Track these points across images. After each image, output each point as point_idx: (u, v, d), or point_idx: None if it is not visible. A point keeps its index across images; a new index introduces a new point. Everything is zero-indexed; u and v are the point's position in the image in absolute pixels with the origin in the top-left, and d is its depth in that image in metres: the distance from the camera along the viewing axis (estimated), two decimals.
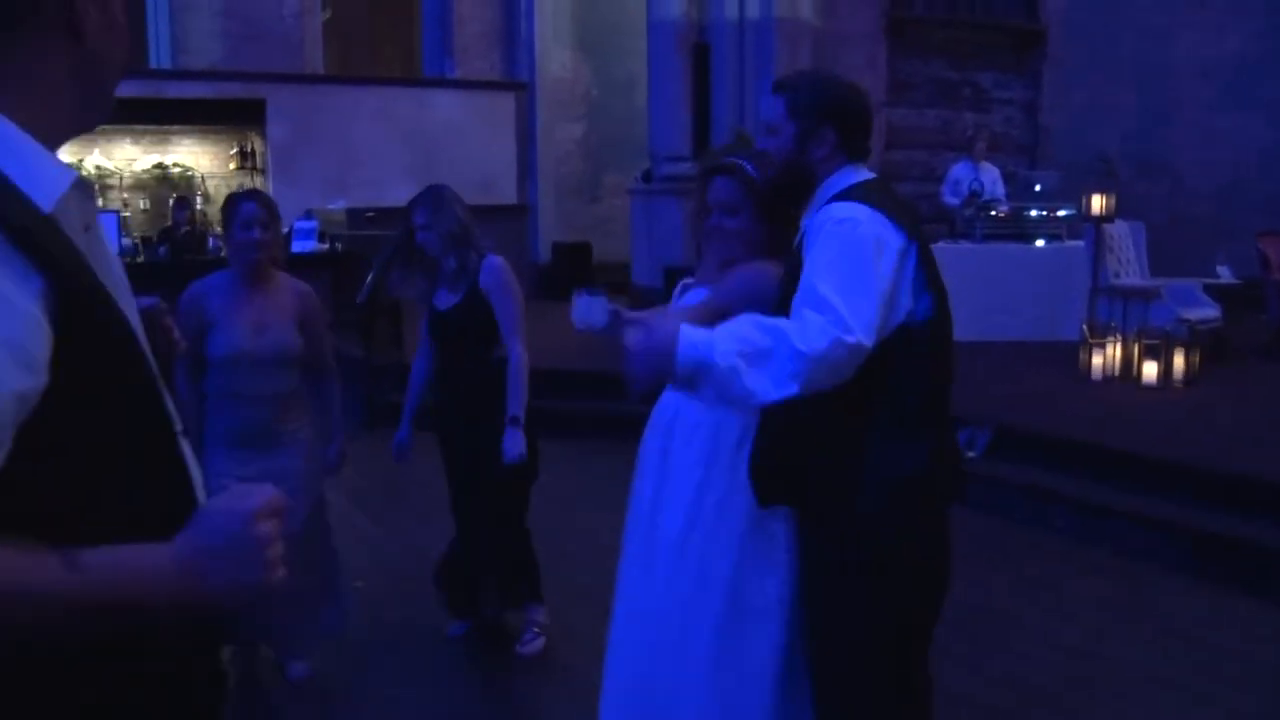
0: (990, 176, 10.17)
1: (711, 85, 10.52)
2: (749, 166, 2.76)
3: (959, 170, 10.34)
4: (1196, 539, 5.05)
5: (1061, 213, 9.73)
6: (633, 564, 2.92)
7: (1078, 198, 9.70)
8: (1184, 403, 7.02)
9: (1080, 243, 9.10)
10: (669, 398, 2.98)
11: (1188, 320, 7.98)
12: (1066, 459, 5.87)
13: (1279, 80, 11.55)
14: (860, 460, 2.31)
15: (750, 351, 2.09)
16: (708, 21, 10.58)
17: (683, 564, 2.76)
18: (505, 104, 14.36)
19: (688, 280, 3.09)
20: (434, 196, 3.96)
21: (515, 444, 3.83)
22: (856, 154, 2.46)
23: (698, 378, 2.10)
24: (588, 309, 3.08)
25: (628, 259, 11.51)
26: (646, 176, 11.26)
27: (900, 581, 2.38)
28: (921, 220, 2.51)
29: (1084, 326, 7.76)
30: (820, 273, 2.21)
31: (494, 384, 3.89)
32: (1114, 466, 5.71)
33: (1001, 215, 9.64)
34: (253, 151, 13.15)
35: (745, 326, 2.14)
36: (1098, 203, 8.27)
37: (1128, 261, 8.83)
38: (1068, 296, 8.87)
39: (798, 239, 2.43)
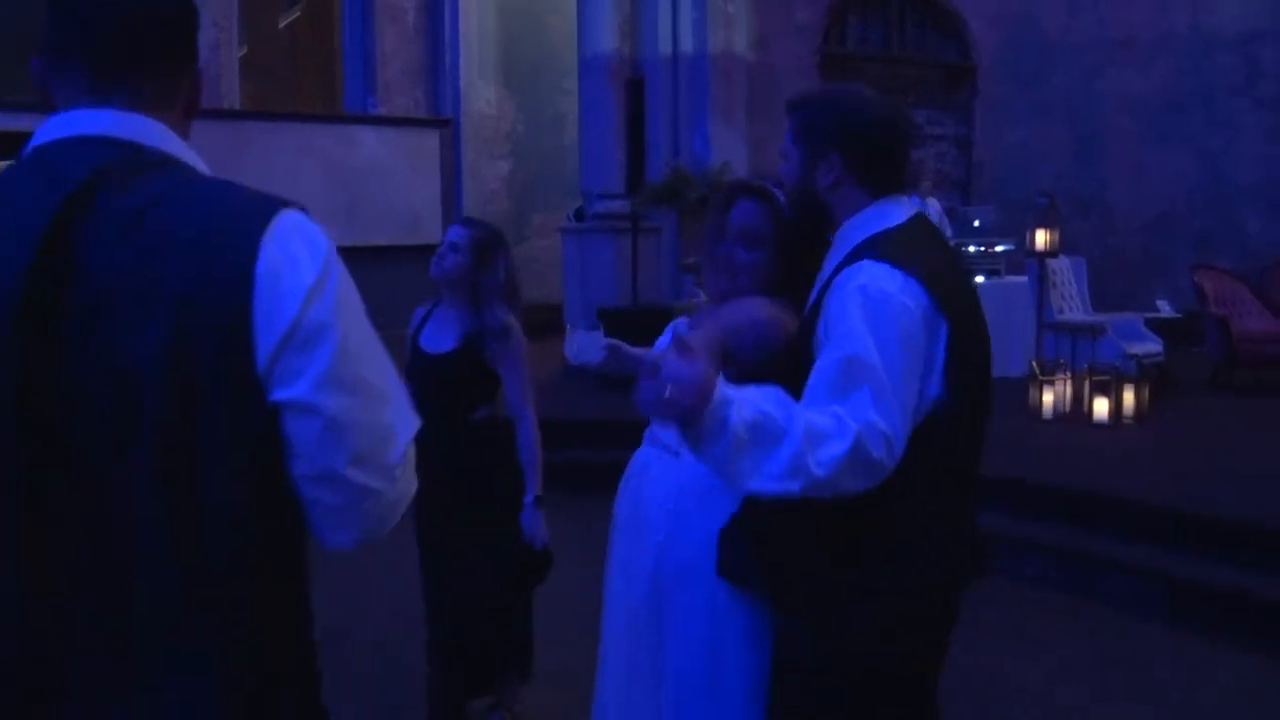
0: (934, 212, 10.08)
1: (646, 121, 10.29)
2: (779, 194, 2.40)
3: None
4: (1172, 584, 4.86)
5: (1000, 248, 9.69)
6: (614, 644, 2.60)
7: (1012, 233, 9.68)
8: (1139, 441, 6.89)
9: (1022, 278, 9.02)
10: (640, 454, 2.68)
11: (1135, 355, 7.89)
12: (1031, 503, 5.65)
13: (1203, 117, 11.71)
14: (859, 564, 1.92)
15: (766, 428, 1.73)
16: (641, 57, 10.37)
17: (639, 641, 2.46)
18: (430, 141, 14.03)
19: (681, 320, 2.78)
20: (493, 233, 3.47)
21: (537, 527, 3.32)
22: (879, 187, 2.04)
23: (707, 435, 1.73)
24: (581, 345, 2.76)
25: (556, 299, 11.19)
26: (578, 215, 10.97)
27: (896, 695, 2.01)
28: (963, 275, 2.12)
29: (1033, 364, 7.62)
30: (845, 353, 1.83)
31: (478, 450, 3.38)
32: (1082, 510, 5.51)
33: None
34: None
35: (770, 400, 1.77)
36: (1042, 238, 8.17)
37: (1070, 297, 8.75)
38: (1010, 333, 8.75)
39: (815, 295, 2.05)
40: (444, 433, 3.36)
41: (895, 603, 1.92)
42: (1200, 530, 5.06)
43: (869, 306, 1.85)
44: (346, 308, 1.29)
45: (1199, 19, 11.74)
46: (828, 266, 2.05)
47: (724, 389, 1.73)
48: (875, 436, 1.75)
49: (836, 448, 1.72)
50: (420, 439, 2.76)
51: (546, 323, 11.22)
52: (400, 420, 1.36)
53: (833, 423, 1.75)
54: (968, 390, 1.93)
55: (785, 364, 2.06)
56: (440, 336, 3.42)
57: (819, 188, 2.06)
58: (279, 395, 1.23)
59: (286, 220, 1.28)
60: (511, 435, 3.42)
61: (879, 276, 1.88)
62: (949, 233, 9.92)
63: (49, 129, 1.33)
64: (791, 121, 2.10)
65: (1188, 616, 4.76)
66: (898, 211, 2.04)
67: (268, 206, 1.29)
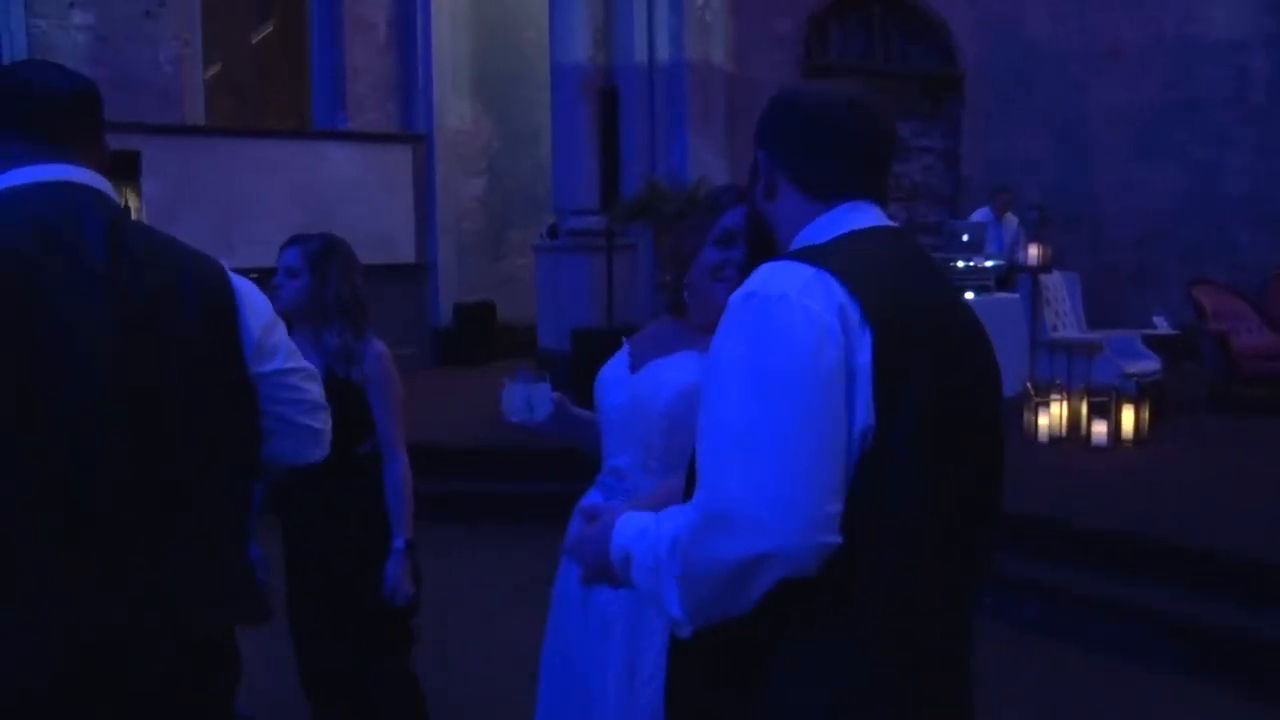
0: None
1: (620, 133, 9.91)
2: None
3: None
4: (1187, 631, 4.47)
5: (989, 263, 9.33)
6: None
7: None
8: (1140, 465, 6.53)
9: (1013, 295, 8.68)
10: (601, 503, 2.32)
11: (1133, 374, 7.54)
12: (1029, 537, 5.24)
13: (1190, 129, 11.41)
14: (767, 680, 1.47)
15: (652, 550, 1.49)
16: (615, 66, 10.00)
17: None
18: (402, 157, 13.64)
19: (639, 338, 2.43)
20: (327, 244, 3.10)
21: (403, 580, 2.97)
22: (827, 191, 1.59)
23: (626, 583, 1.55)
24: (526, 398, 2.39)
25: (534, 320, 10.81)
26: (552, 232, 10.59)
27: None
28: (934, 294, 1.60)
29: (1028, 385, 7.26)
30: (714, 400, 1.42)
31: (363, 491, 3.02)
32: (1084, 546, 5.12)
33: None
34: (127, 208, 12.18)
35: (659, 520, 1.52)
36: (1034, 252, 7.82)
37: (1064, 314, 8.41)
38: (1002, 351, 8.36)
39: None
40: (324, 475, 2.99)
41: None
42: (1218, 570, 4.68)
43: (752, 317, 1.42)
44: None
45: (1186, 28, 11.46)
46: None
47: (626, 526, 1.54)
48: (704, 529, 1.38)
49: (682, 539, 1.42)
50: (297, 485, 2.87)
51: (526, 344, 10.86)
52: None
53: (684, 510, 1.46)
54: (913, 418, 1.42)
55: None
56: None
57: (757, 200, 1.66)
58: (268, 367, 1.90)
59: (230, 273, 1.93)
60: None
61: (776, 277, 1.44)
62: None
63: (13, 177, 1.79)
64: None
65: (1204, 667, 4.37)
66: (857, 219, 1.59)
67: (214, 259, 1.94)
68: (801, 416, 1.35)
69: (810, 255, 1.49)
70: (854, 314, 1.41)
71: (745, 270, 1.78)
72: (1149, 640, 4.56)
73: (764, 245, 1.68)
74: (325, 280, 3.00)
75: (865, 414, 1.40)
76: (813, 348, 1.37)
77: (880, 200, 1.63)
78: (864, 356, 1.40)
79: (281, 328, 1.94)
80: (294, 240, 3.11)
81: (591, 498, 2.46)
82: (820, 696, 1.44)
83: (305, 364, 1.97)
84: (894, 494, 1.42)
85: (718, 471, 1.37)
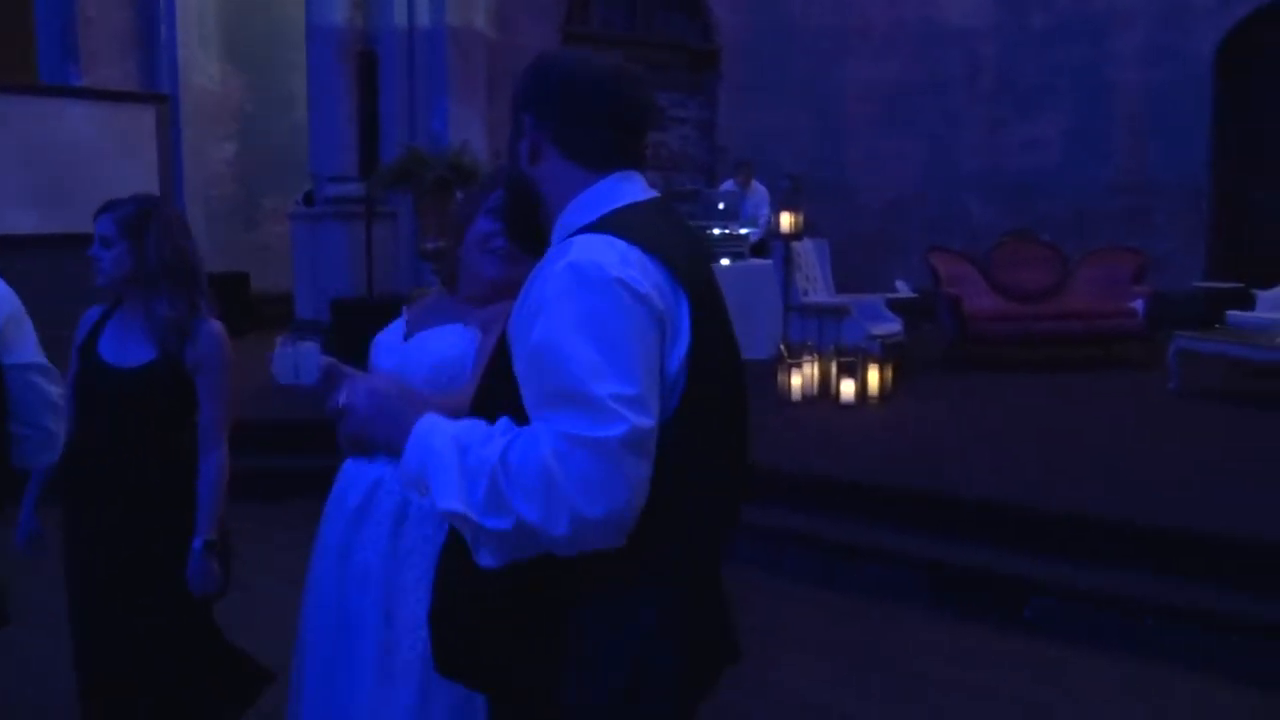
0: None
1: (380, 98, 9.67)
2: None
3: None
4: (933, 570, 4.81)
5: (743, 230, 9.68)
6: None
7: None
8: (886, 421, 6.95)
9: (767, 261, 9.04)
10: (359, 470, 2.28)
11: (877, 336, 8.01)
12: (784, 490, 5.51)
13: (929, 107, 12.18)
14: (557, 633, 1.56)
15: (469, 445, 1.47)
16: (374, 30, 9.73)
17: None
18: (144, 118, 12.76)
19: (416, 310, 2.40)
20: (142, 207, 2.84)
21: (208, 575, 2.82)
22: (594, 159, 1.63)
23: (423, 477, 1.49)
24: (295, 360, 2.34)
25: (291, 290, 10.44)
26: (308, 199, 10.24)
27: None
28: (707, 267, 1.72)
29: (781, 347, 7.59)
30: (539, 346, 1.46)
31: (187, 472, 2.84)
32: (838, 496, 5.42)
33: None
34: None
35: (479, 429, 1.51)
36: (786, 220, 8.17)
37: (815, 279, 8.82)
38: (756, 315, 8.72)
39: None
40: (142, 457, 2.79)
41: (593, 683, 1.54)
42: (960, 513, 5.05)
43: (577, 282, 1.46)
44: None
45: (925, 12, 12.20)
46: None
47: (431, 425, 1.52)
48: (566, 454, 1.39)
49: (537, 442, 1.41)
50: (113, 465, 2.79)
51: (283, 315, 10.46)
52: None
53: (520, 444, 1.43)
54: (709, 392, 1.55)
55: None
56: (129, 346, 2.79)
57: (522, 164, 1.66)
58: (11, 360, 2.03)
59: None
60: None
61: (594, 248, 1.49)
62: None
63: None
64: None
65: (951, 603, 4.72)
66: (630, 190, 1.64)
67: None
68: (637, 357, 1.44)
69: (616, 228, 1.52)
70: (669, 289, 1.50)
71: (509, 236, 1.80)
72: (902, 581, 4.87)
73: (523, 209, 1.69)
74: (144, 246, 2.77)
75: (670, 395, 1.50)
76: (635, 311, 1.46)
77: (642, 169, 1.70)
78: (684, 323, 1.51)
79: (28, 323, 2.00)
80: (106, 206, 2.86)
81: (352, 470, 2.40)
82: (629, 634, 1.53)
83: (47, 363, 1.99)
84: (698, 459, 1.54)
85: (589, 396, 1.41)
